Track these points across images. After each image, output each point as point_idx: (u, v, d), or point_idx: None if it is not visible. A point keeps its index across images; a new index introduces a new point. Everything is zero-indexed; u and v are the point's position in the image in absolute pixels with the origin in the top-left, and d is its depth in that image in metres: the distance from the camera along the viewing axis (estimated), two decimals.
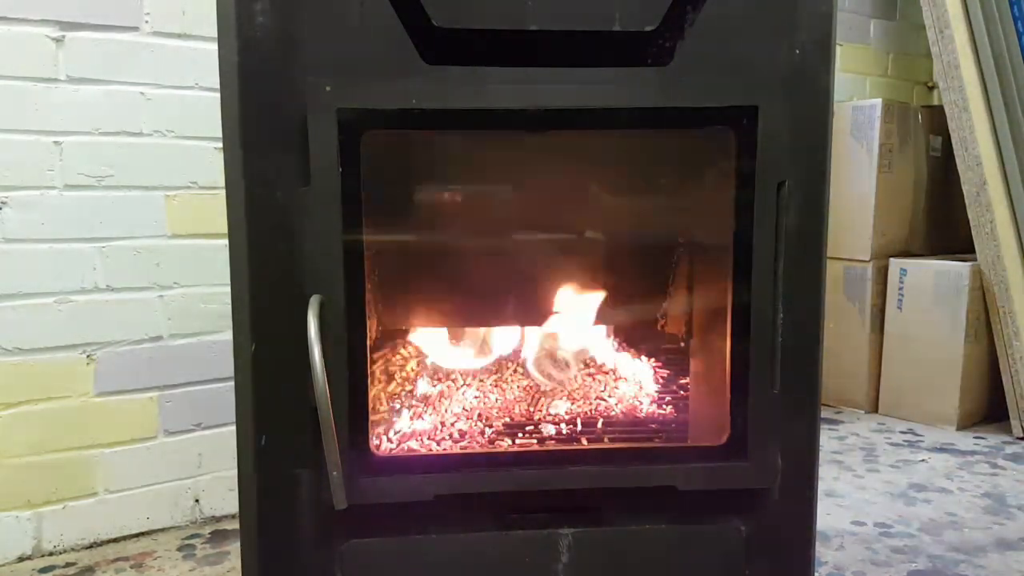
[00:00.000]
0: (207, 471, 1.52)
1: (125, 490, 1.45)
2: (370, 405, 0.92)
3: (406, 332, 1.27)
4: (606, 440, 1.11)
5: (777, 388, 0.94)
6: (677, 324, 1.25)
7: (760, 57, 0.91)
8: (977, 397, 2.18)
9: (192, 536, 1.47)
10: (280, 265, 0.87)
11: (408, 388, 1.21)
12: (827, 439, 2.04)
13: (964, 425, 2.14)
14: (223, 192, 0.88)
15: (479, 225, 1.19)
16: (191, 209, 1.46)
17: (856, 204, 2.24)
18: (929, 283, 2.17)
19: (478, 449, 1.07)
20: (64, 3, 1.32)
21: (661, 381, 1.27)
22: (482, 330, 1.28)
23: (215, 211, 1.47)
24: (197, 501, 1.52)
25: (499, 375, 1.28)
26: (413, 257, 1.17)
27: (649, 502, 0.96)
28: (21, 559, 1.37)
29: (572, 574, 0.95)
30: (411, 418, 1.14)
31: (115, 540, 1.44)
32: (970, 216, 2.15)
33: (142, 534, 1.47)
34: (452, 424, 1.14)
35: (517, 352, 1.28)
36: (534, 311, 1.23)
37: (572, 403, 1.21)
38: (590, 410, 1.19)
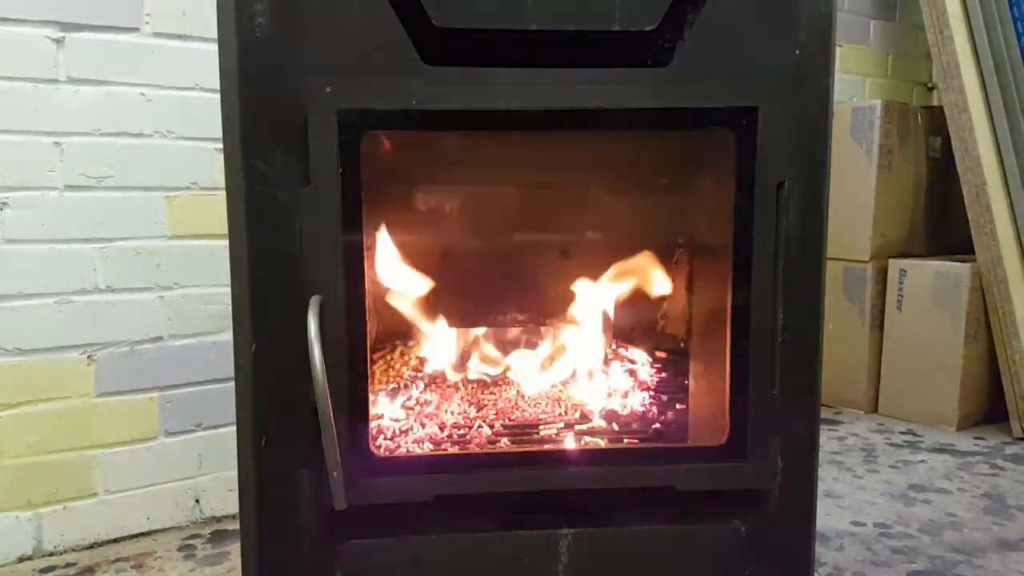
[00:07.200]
0: (207, 471, 1.52)
1: (125, 490, 1.45)
2: (370, 405, 0.92)
3: (407, 332, 1.27)
4: (606, 440, 1.11)
5: (777, 388, 0.94)
6: (677, 324, 1.25)
7: (760, 57, 0.91)
8: (977, 397, 2.18)
9: (192, 536, 1.47)
10: (280, 265, 0.87)
11: (408, 389, 1.21)
12: (827, 439, 2.04)
13: (964, 426, 2.14)
14: (223, 192, 0.88)
15: (477, 225, 1.19)
16: (191, 210, 1.46)
17: (856, 204, 2.24)
18: (929, 283, 2.17)
19: (478, 449, 1.07)
20: (64, 4, 1.32)
21: (661, 381, 1.27)
22: (485, 331, 1.28)
23: (215, 211, 1.47)
24: (197, 501, 1.52)
25: (499, 376, 1.28)
26: (414, 257, 1.17)
27: (649, 502, 0.96)
28: (21, 559, 1.37)
29: (572, 574, 0.95)
30: (411, 418, 1.14)
31: (115, 540, 1.44)
32: (970, 216, 2.15)
33: (142, 534, 1.46)
34: (452, 425, 1.14)
35: (518, 353, 1.28)
36: (535, 312, 1.23)
37: (571, 404, 1.21)
38: (590, 411, 1.19)
